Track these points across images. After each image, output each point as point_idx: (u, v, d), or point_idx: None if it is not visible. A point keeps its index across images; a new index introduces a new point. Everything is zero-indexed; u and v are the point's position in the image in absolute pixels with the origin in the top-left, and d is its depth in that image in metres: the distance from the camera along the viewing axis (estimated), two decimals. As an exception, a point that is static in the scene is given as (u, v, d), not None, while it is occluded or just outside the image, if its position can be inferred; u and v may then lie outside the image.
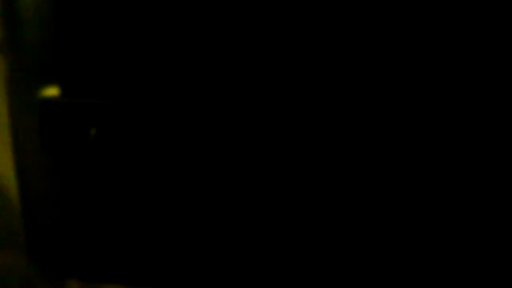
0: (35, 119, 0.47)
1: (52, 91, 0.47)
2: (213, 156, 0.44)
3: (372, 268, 0.46)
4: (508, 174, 0.44)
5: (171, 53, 0.44)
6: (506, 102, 0.43)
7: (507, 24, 0.42)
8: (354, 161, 0.44)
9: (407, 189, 0.45)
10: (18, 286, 0.63)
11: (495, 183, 0.44)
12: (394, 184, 0.44)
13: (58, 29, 0.46)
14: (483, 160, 0.44)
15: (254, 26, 0.43)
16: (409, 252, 0.46)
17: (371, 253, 0.46)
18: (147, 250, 0.49)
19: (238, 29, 0.43)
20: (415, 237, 0.45)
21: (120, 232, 0.49)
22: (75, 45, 0.46)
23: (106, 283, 0.52)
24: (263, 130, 0.44)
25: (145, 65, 0.44)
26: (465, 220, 0.45)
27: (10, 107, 0.54)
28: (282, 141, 0.44)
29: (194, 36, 0.43)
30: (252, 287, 0.48)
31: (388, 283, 0.46)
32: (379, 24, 0.42)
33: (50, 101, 0.46)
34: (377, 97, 0.43)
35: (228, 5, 0.43)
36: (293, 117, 0.43)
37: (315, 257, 0.46)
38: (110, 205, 0.48)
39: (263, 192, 0.45)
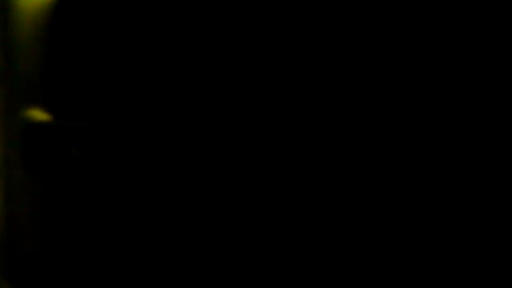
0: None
1: (38, 115, 0.50)
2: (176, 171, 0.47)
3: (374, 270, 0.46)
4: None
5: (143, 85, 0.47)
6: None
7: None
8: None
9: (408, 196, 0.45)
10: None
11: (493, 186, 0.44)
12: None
13: (47, 62, 0.50)
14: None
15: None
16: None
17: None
18: (133, 271, 0.50)
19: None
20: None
21: (104, 253, 0.50)
22: (60, 76, 0.49)
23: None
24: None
25: (120, 94, 0.48)
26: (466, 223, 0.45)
27: (3, 133, 0.58)
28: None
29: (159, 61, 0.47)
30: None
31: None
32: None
33: (33, 123, 0.49)
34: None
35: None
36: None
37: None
38: (90, 223, 0.50)
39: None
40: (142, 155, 0.49)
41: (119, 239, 0.50)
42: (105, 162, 0.50)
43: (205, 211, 0.50)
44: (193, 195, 0.48)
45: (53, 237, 0.52)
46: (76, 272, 0.52)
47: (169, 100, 0.48)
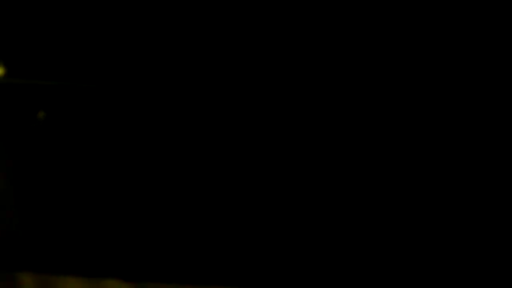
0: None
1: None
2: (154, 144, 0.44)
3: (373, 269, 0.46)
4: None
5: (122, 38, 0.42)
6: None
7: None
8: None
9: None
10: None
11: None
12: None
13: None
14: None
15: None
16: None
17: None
18: (102, 239, 0.47)
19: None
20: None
21: (75, 221, 0.47)
22: (19, 22, 0.43)
23: (62, 275, 0.50)
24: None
25: (96, 45, 0.42)
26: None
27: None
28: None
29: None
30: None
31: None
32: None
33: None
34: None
35: None
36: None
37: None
38: (61, 191, 0.46)
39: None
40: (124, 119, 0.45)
41: (96, 214, 0.47)
42: (76, 127, 0.45)
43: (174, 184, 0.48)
44: (167, 168, 0.46)
45: (27, 214, 0.48)
46: (50, 250, 0.48)
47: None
